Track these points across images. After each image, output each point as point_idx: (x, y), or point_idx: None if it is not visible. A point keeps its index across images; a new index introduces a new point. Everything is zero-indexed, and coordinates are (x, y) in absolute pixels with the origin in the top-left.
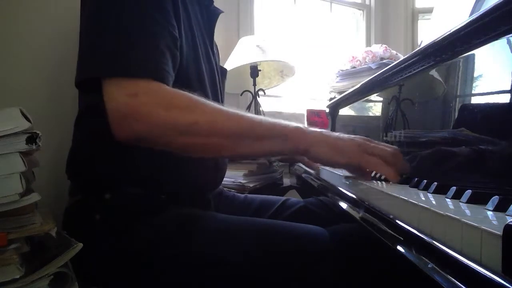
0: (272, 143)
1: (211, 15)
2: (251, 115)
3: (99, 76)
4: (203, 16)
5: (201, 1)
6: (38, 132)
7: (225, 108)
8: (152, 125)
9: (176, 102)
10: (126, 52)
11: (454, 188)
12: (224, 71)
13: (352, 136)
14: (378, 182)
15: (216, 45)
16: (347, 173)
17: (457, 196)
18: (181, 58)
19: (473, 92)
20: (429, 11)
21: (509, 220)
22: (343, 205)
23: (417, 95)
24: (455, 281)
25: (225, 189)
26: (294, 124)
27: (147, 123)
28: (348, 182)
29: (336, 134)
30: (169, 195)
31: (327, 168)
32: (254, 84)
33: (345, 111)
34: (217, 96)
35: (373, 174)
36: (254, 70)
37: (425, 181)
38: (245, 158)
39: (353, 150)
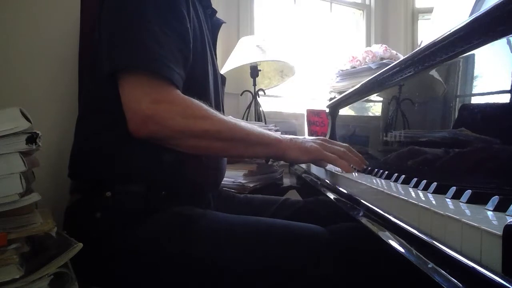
0: (260, 148)
1: (214, 26)
2: (245, 124)
3: (125, 70)
4: (208, 25)
5: (206, 11)
6: (38, 132)
7: (227, 118)
8: (170, 130)
9: (192, 111)
10: (147, 54)
11: (454, 188)
12: (224, 79)
13: (314, 137)
14: (378, 181)
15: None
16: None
17: (457, 196)
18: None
19: (473, 92)
20: (429, 11)
21: (509, 220)
22: (343, 205)
23: (417, 95)
24: (455, 281)
25: (224, 188)
26: (273, 134)
27: (166, 127)
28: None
29: (301, 138)
30: (169, 193)
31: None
32: (254, 84)
33: (345, 111)
34: (218, 102)
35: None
36: (254, 70)
37: (425, 181)
38: (238, 158)
39: (315, 149)
